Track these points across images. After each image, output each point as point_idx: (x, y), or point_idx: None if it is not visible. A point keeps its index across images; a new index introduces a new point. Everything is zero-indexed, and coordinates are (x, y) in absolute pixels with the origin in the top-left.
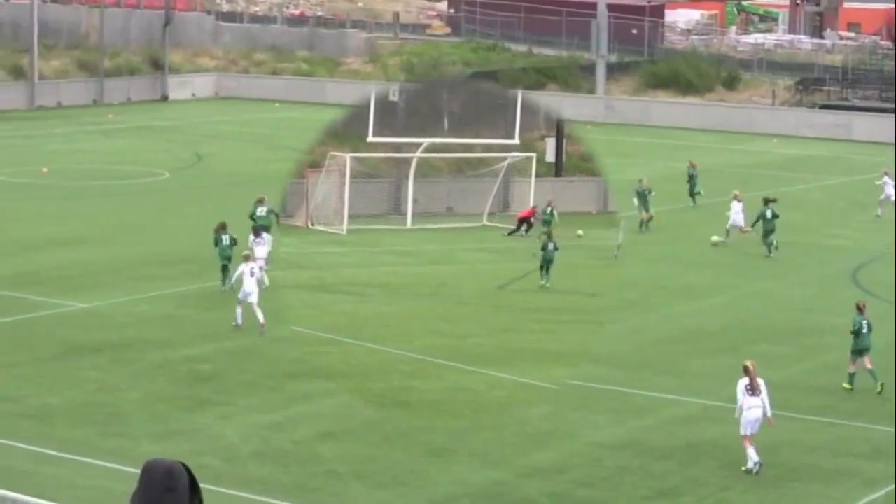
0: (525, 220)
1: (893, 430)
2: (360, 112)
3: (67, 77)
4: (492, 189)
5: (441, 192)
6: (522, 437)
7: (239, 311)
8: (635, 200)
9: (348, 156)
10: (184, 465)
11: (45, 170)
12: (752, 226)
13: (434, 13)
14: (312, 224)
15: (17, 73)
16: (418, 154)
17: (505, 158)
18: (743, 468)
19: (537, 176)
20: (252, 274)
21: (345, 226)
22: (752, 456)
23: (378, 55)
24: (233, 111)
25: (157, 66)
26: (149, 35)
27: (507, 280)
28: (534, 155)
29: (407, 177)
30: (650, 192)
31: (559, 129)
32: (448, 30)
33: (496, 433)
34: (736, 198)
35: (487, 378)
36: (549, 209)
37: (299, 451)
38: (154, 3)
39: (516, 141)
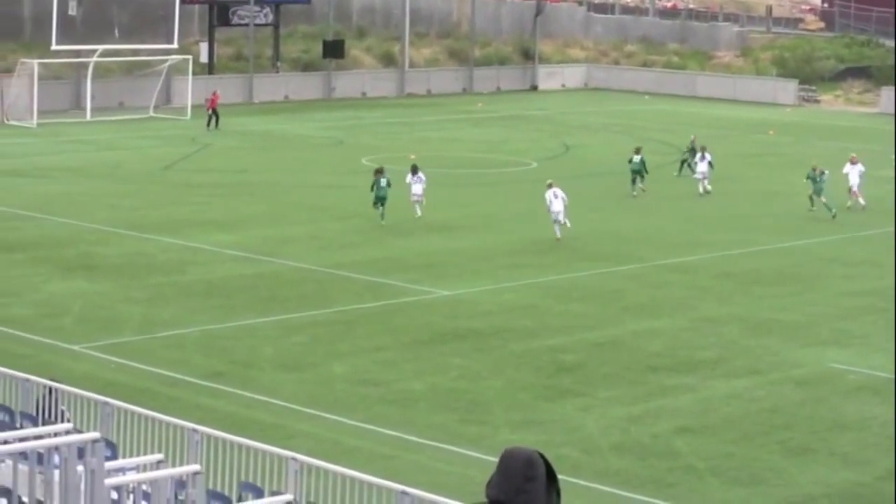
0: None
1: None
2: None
3: (437, 65)
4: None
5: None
6: (885, 439)
7: (557, 228)
8: None
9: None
10: (541, 454)
11: (412, 156)
12: None
13: (807, 7)
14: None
15: (389, 60)
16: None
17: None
18: None
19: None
20: (556, 196)
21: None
22: None
23: (750, 49)
24: (602, 102)
25: (528, 56)
26: (519, 25)
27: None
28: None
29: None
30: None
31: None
32: (822, 24)
33: (858, 434)
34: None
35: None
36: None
37: (657, 445)
38: None
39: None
